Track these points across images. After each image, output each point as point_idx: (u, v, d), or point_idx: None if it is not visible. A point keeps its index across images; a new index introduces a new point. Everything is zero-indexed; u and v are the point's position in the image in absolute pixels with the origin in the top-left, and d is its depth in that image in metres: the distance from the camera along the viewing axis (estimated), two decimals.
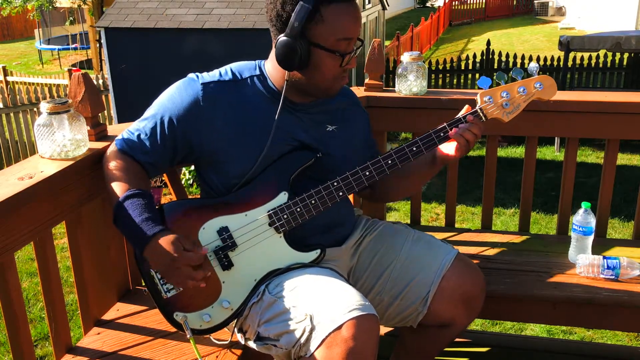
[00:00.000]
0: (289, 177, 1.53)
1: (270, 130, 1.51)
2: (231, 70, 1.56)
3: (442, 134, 1.55)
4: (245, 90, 1.54)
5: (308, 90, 1.54)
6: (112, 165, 1.50)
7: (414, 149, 1.55)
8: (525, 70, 1.59)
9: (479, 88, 1.60)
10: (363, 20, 8.06)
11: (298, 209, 1.51)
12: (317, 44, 1.44)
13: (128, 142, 1.52)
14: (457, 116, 1.58)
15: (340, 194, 1.52)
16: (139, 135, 1.51)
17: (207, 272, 1.43)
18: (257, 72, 1.57)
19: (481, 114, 1.57)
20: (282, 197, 1.52)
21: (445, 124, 1.56)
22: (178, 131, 1.50)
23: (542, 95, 1.60)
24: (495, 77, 1.62)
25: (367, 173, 1.53)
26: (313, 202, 1.51)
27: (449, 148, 1.58)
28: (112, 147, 1.55)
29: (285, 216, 1.50)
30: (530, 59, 8.47)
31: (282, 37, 1.43)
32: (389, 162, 1.54)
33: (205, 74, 1.55)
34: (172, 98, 1.52)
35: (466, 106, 1.60)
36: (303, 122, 1.58)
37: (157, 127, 1.50)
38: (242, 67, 1.58)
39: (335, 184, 1.52)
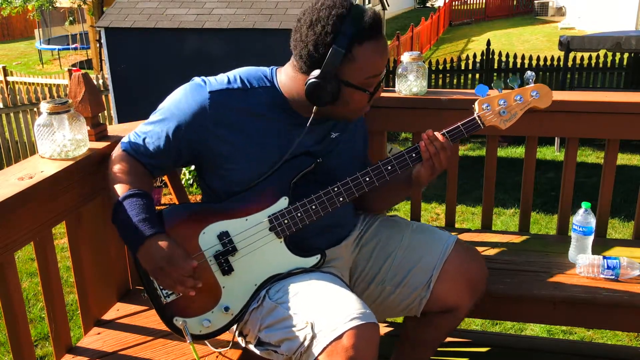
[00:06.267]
0: (290, 182, 1.52)
1: (277, 142, 1.51)
2: (240, 77, 1.52)
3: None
4: (254, 99, 1.51)
5: (332, 117, 1.55)
6: (116, 166, 1.50)
7: (414, 155, 1.55)
8: (521, 78, 1.61)
9: (476, 96, 1.61)
10: None
11: (299, 214, 1.50)
12: (348, 82, 1.43)
13: (133, 145, 1.53)
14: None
15: (341, 199, 1.52)
16: (144, 139, 1.52)
17: (198, 282, 1.43)
18: (267, 83, 1.53)
19: (479, 122, 1.58)
20: (283, 202, 1.51)
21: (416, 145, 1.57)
22: (183, 138, 1.49)
23: (538, 104, 1.62)
24: (492, 85, 1.63)
25: (367, 179, 1.53)
26: (313, 207, 1.50)
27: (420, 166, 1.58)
28: (118, 149, 1.55)
29: (285, 221, 1.50)
30: (531, 59, 8.46)
31: (314, 80, 1.42)
32: (389, 168, 1.54)
33: (213, 79, 1.52)
34: (178, 104, 1.49)
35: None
36: (309, 132, 1.56)
37: (163, 133, 1.49)
38: (252, 75, 1.54)
39: (335, 189, 1.52)
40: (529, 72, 1.63)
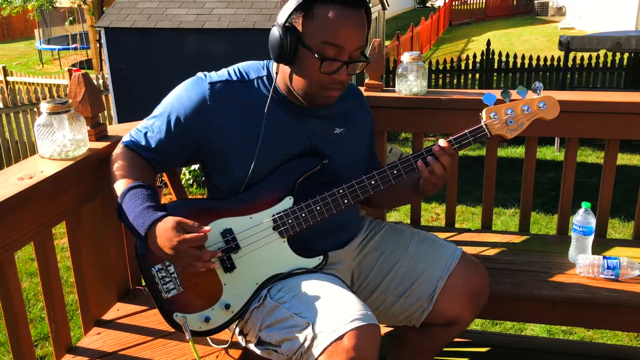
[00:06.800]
0: (295, 182, 1.52)
1: (273, 132, 1.51)
2: (239, 70, 1.56)
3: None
4: (252, 91, 1.53)
5: (295, 92, 1.50)
6: (118, 162, 1.50)
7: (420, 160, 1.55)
8: (522, 81, 1.61)
9: (484, 104, 1.60)
10: None
11: (303, 215, 1.50)
12: (302, 40, 1.41)
13: (135, 141, 1.53)
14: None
15: (346, 201, 1.52)
16: (146, 134, 1.52)
17: (217, 252, 1.41)
18: (265, 73, 1.56)
19: (486, 130, 1.58)
20: (288, 202, 1.51)
21: (422, 150, 1.56)
22: (185, 131, 1.49)
23: (544, 115, 1.61)
24: (500, 94, 1.62)
25: (373, 182, 1.53)
26: (318, 208, 1.51)
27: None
28: (119, 146, 1.55)
29: (290, 221, 1.50)
30: (531, 59, 8.46)
31: (274, 26, 1.44)
32: (395, 172, 1.54)
33: (213, 73, 1.55)
34: (179, 97, 1.51)
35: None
36: (310, 126, 1.57)
37: (164, 126, 1.50)
38: (250, 67, 1.57)
39: (340, 191, 1.52)
40: (537, 83, 1.62)
